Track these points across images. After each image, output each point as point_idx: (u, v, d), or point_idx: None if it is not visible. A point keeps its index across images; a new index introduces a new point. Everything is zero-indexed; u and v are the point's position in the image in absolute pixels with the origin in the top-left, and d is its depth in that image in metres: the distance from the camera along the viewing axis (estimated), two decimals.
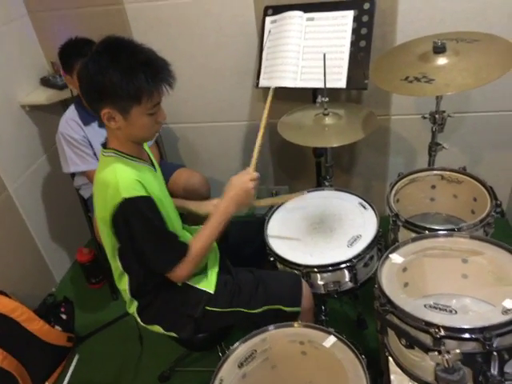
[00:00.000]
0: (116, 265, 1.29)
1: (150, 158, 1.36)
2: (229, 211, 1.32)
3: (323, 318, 1.62)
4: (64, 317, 2.09)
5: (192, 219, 2.17)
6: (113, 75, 1.08)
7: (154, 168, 1.34)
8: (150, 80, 1.10)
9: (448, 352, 0.90)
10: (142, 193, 1.16)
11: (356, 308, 1.92)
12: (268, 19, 1.94)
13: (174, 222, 1.31)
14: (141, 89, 1.10)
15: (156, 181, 1.28)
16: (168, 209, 1.29)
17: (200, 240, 1.29)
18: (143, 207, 1.16)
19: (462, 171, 1.56)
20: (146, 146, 1.37)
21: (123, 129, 1.16)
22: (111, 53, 1.10)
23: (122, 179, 1.14)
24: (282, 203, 1.65)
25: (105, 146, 1.24)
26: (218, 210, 1.32)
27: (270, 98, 1.59)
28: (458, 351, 0.90)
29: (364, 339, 1.83)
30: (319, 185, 2.14)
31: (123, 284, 1.32)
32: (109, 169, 1.17)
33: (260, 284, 1.36)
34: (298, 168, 2.41)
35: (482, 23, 1.83)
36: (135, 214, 1.15)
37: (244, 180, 1.33)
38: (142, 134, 1.22)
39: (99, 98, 1.12)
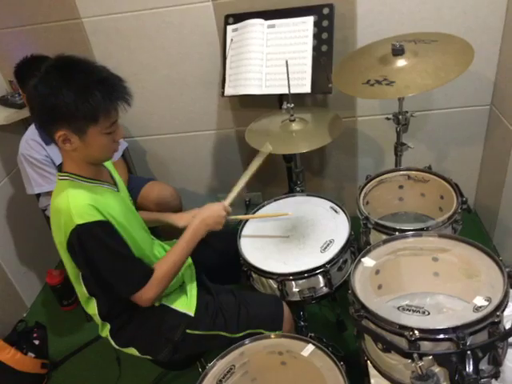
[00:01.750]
0: (81, 289, 1.25)
1: (111, 176, 1.32)
2: (199, 233, 1.33)
3: (302, 323, 1.62)
4: (37, 342, 2.02)
5: (167, 234, 2.14)
6: (66, 95, 1.03)
7: (116, 187, 1.30)
8: (106, 98, 1.06)
9: (421, 358, 0.90)
10: (97, 217, 1.12)
11: (335, 310, 1.93)
12: (229, 28, 1.93)
13: (141, 242, 1.27)
14: (97, 108, 1.06)
15: (117, 201, 1.24)
16: (133, 229, 1.25)
17: (166, 262, 1.26)
18: (98, 232, 1.12)
19: (428, 170, 1.59)
20: (108, 163, 1.34)
21: (80, 150, 1.12)
22: (63, 72, 1.06)
23: (74, 205, 1.10)
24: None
25: (60, 168, 1.20)
26: (188, 232, 1.31)
27: (260, 161, 1.55)
28: (430, 358, 0.90)
29: (344, 341, 1.83)
30: (291, 190, 2.14)
31: (91, 308, 1.28)
32: (61, 195, 1.13)
33: (242, 307, 1.35)
34: (269, 174, 2.40)
35: (439, 22, 1.87)
36: (90, 239, 1.11)
37: (218, 207, 1.39)
38: (100, 155, 1.18)
39: (52, 120, 1.07)
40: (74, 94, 1.04)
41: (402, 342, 0.98)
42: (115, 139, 1.16)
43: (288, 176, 2.18)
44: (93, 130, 1.09)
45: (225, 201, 1.45)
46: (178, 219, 1.51)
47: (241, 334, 1.31)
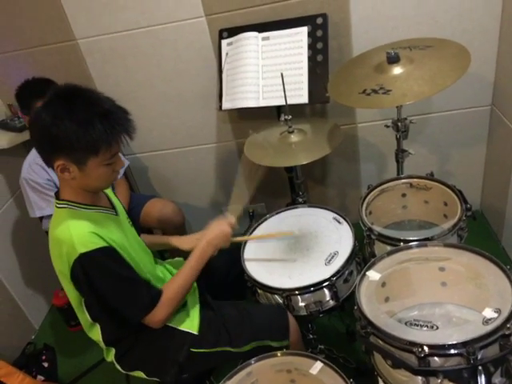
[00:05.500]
0: (84, 316, 1.24)
1: (110, 201, 1.32)
2: (206, 254, 1.32)
3: (311, 336, 1.60)
4: (46, 365, 2.02)
5: (172, 250, 2.14)
6: (68, 126, 1.03)
7: (115, 211, 1.29)
8: (108, 131, 1.05)
9: (433, 375, 0.88)
10: (100, 244, 1.11)
11: (344, 320, 1.90)
12: (224, 42, 1.93)
13: (142, 264, 1.27)
14: (98, 140, 1.05)
15: (117, 226, 1.24)
16: (134, 251, 1.24)
17: (175, 283, 1.26)
18: (102, 259, 1.11)
19: (430, 177, 1.57)
20: None
21: (78, 179, 1.12)
22: (67, 103, 1.05)
23: (76, 234, 1.09)
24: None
25: (58, 195, 1.19)
26: (196, 253, 1.31)
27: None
28: (441, 377, 0.88)
29: (355, 351, 1.80)
30: (294, 200, 2.13)
31: (95, 334, 1.27)
32: (62, 225, 1.12)
33: (245, 320, 1.33)
34: (271, 185, 2.39)
35: (434, 27, 1.86)
36: (95, 267, 1.11)
37: (223, 226, 1.37)
38: (98, 184, 1.17)
39: (52, 149, 1.07)
40: (75, 126, 1.03)
41: (412, 359, 0.96)
42: (114, 170, 1.16)
43: (290, 186, 2.16)
44: (93, 162, 1.09)
45: (229, 215, 1.44)
46: (182, 244, 1.50)
47: (247, 348, 1.29)
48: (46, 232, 2.01)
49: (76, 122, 1.03)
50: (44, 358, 2.04)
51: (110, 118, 1.07)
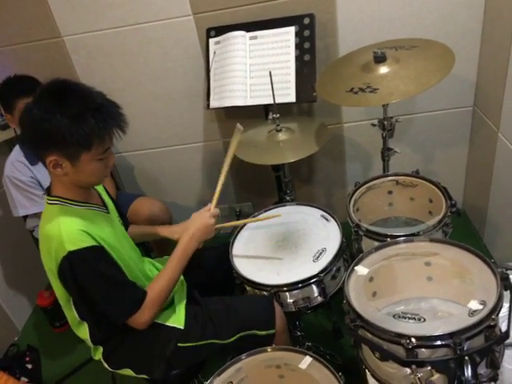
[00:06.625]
0: (72, 314, 1.23)
1: (101, 198, 1.31)
2: (189, 249, 1.31)
3: (298, 333, 1.61)
4: (30, 366, 1.99)
5: (159, 249, 2.12)
6: (60, 121, 1.02)
7: (106, 209, 1.29)
8: (101, 125, 1.05)
9: (421, 366, 0.90)
10: (89, 243, 1.10)
11: (331, 318, 1.92)
12: (211, 41, 1.93)
13: (132, 263, 1.26)
14: (91, 135, 1.05)
15: (107, 224, 1.23)
16: (124, 250, 1.23)
17: (160, 283, 1.25)
18: (90, 258, 1.10)
19: (415, 175, 1.60)
20: None
21: (70, 175, 1.11)
22: (58, 97, 1.04)
23: (65, 232, 1.08)
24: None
25: (49, 191, 1.18)
26: (178, 250, 1.29)
27: (236, 139, 1.51)
28: (429, 368, 0.90)
29: (342, 349, 1.82)
30: (281, 199, 2.14)
31: (83, 333, 1.25)
32: (52, 222, 1.11)
33: (231, 311, 1.33)
34: (258, 184, 2.40)
35: (419, 27, 1.89)
36: (83, 266, 1.10)
37: (204, 216, 1.34)
38: (91, 180, 1.17)
39: (45, 145, 1.06)
40: (68, 120, 1.02)
41: (400, 351, 0.97)
42: (107, 165, 1.15)
43: (277, 185, 2.17)
44: (85, 157, 1.08)
45: (211, 205, 1.41)
46: (172, 233, 1.48)
47: (233, 338, 1.29)
48: (30, 231, 1.98)
49: (68, 116, 1.02)
50: (27, 359, 2.01)
51: (103, 111, 1.06)
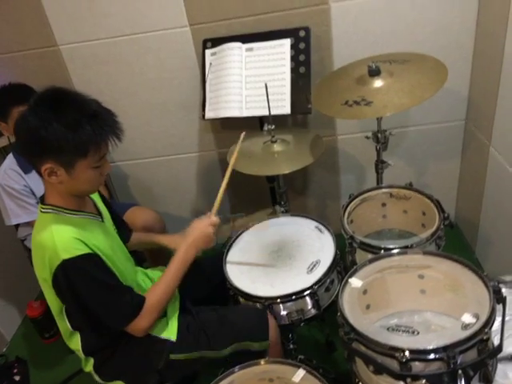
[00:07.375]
0: (64, 324, 1.22)
1: (96, 206, 1.30)
2: (188, 257, 1.30)
3: (291, 346, 1.59)
4: (17, 378, 1.96)
5: (152, 259, 2.11)
6: (57, 128, 1.02)
7: (101, 217, 1.28)
8: (96, 132, 1.05)
9: (415, 380, 0.90)
10: (83, 251, 1.09)
11: (324, 331, 1.91)
12: (208, 52, 1.94)
13: (126, 271, 1.25)
14: (88, 142, 1.05)
15: (102, 232, 1.22)
16: (118, 259, 1.23)
17: (158, 290, 1.24)
18: (85, 265, 1.09)
19: (409, 187, 1.61)
20: None
21: (65, 183, 1.10)
22: (54, 105, 1.04)
23: (59, 240, 1.07)
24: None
25: (43, 199, 1.17)
26: (176, 259, 1.29)
27: (238, 146, 1.52)
28: (423, 382, 0.90)
29: (335, 362, 1.81)
30: (275, 211, 2.14)
31: (75, 344, 1.24)
32: (45, 230, 1.10)
33: (225, 322, 1.31)
34: (252, 194, 2.40)
35: (412, 41, 1.92)
36: (77, 274, 1.09)
37: (204, 225, 1.33)
38: (86, 188, 1.16)
39: (41, 152, 1.05)
40: (64, 127, 1.02)
41: (394, 364, 0.97)
42: (102, 173, 1.15)
43: (271, 196, 2.18)
44: (81, 164, 1.08)
45: (210, 213, 1.39)
46: (171, 243, 1.47)
47: (228, 350, 1.28)
48: (22, 240, 1.96)
49: (64, 123, 1.02)
50: (15, 371, 1.97)
51: (98, 119, 1.06)
